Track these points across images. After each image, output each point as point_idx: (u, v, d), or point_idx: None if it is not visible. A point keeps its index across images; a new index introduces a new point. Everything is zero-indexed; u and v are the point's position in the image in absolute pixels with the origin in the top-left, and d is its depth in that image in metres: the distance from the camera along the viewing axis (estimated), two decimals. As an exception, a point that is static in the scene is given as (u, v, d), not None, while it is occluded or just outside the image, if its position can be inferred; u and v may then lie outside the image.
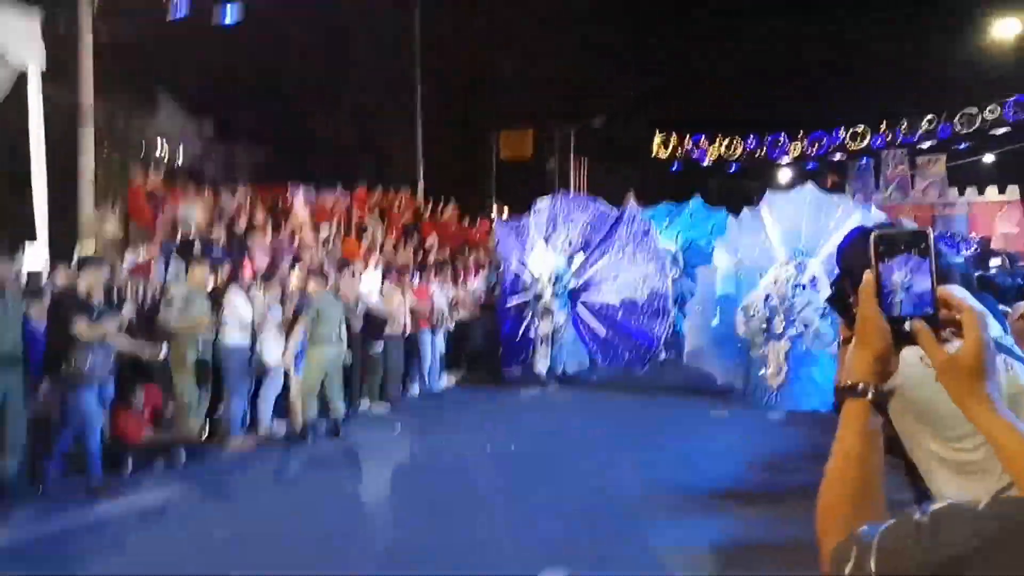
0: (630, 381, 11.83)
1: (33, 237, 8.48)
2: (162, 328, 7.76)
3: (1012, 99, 25.46)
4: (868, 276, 1.11)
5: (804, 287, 9.76)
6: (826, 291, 9.51)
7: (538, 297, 11.59)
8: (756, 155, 30.07)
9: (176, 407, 7.69)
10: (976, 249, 26.06)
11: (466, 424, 9.48)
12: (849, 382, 1.13)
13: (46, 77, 11.10)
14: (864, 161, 28.59)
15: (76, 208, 11.72)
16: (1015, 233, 27.20)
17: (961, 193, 28.19)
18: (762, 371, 9.97)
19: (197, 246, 10.59)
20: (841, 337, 1.44)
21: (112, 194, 13.03)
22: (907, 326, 1.08)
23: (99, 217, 11.72)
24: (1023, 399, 1.81)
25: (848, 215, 9.68)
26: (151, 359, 7.28)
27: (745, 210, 11.62)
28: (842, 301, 1.73)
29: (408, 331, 11.13)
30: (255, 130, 20.45)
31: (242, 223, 12.35)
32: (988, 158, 29.25)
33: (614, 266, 11.74)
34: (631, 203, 12.61)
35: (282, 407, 8.91)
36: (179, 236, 11.00)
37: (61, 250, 10.14)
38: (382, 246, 14.63)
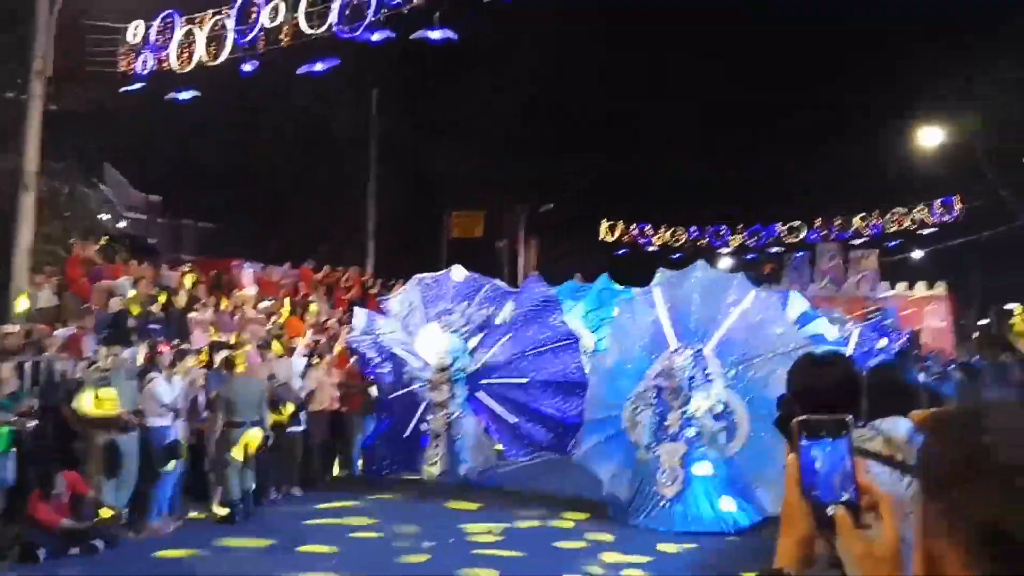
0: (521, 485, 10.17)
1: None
2: (74, 414, 7.58)
3: (938, 201, 26.99)
4: (791, 460, 1.14)
5: (708, 377, 8.10)
6: (719, 383, 7.88)
7: (430, 386, 9.75)
8: (699, 243, 31.06)
9: (93, 493, 7.44)
10: (906, 341, 27.03)
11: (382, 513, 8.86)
12: (773, 567, 1.13)
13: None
14: (800, 254, 29.80)
15: (9, 278, 11.47)
16: (942, 327, 28.31)
17: (892, 287, 29.37)
18: (656, 479, 8.12)
19: (132, 321, 10.43)
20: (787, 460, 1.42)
21: (51, 264, 12.79)
22: (830, 510, 1.09)
23: (32, 288, 11.46)
24: None
25: (744, 293, 8.31)
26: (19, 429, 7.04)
27: (635, 290, 10.09)
28: (788, 425, 1.73)
29: (338, 409, 10.75)
30: (203, 205, 20.40)
31: (182, 298, 12.23)
32: (917, 254, 30.72)
33: (518, 343, 10.05)
34: (532, 276, 10.89)
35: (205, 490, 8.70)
36: (114, 309, 10.82)
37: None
38: (325, 323, 14.59)
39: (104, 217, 17.15)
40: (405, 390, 10.22)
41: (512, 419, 9.84)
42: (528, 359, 9.92)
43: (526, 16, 20.14)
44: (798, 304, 11.71)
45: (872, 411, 2.66)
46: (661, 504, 8.07)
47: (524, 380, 9.82)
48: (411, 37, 12.10)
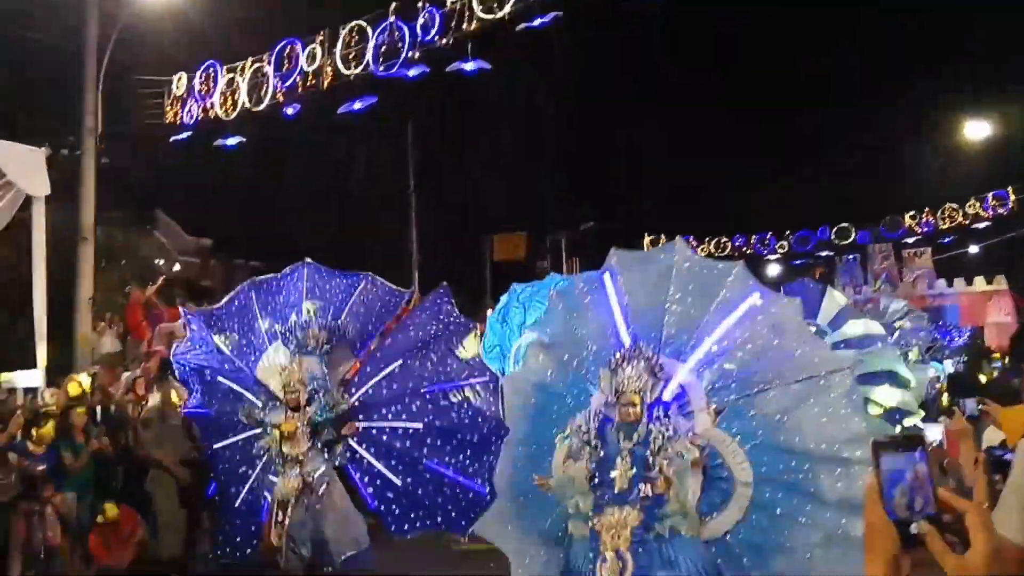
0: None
1: (32, 364, 8.61)
2: (142, 451, 7.78)
3: (990, 194, 26.27)
4: (871, 480, 1.15)
5: (668, 409, 4.74)
6: (704, 419, 4.73)
7: (276, 430, 6.42)
8: (745, 251, 30.71)
9: (160, 529, 7.57)
10: (967, 339, 26.25)
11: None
12: None
13: (49, 200, 11.54)
14: (851, 256, 29.20)
15: (73, 327, 11.89)
16: (1007, 322, 27.42)
17: (950, 284, 28.58)
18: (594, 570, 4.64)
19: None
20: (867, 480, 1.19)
21: (110, 311, 13.23)
22: (914, 528, 1.10)
23: (96, 336, 11.86)
24: None
25: (744, 290, 4.92)
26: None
27: (579, 279, 6.35)
28: None
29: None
30: (252, 243, 20.92)
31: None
32: (973, 250, 29.88)
33: (410, 374, 6.62)
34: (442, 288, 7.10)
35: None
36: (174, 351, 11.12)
37: (58, 370, 10.27)
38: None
39: (159, 262, 17.69)
40: (236, 438, 6.67)
41: (396, 479, 6.59)
42: (424, 397, 6.59)
43: (558, 39, 20.31)
44: (834, 301, 8.02)
45: None
46: None
47: (417, 425, 6.56)
48: (447, 70, 12.31)
